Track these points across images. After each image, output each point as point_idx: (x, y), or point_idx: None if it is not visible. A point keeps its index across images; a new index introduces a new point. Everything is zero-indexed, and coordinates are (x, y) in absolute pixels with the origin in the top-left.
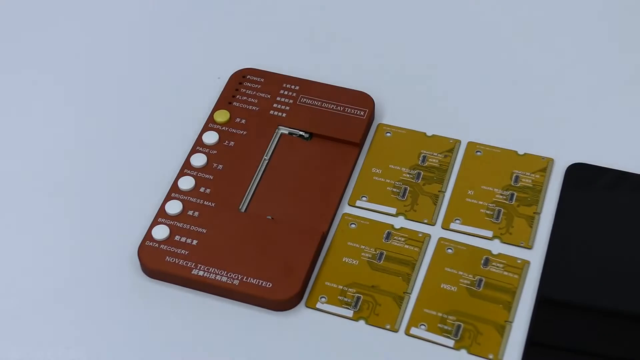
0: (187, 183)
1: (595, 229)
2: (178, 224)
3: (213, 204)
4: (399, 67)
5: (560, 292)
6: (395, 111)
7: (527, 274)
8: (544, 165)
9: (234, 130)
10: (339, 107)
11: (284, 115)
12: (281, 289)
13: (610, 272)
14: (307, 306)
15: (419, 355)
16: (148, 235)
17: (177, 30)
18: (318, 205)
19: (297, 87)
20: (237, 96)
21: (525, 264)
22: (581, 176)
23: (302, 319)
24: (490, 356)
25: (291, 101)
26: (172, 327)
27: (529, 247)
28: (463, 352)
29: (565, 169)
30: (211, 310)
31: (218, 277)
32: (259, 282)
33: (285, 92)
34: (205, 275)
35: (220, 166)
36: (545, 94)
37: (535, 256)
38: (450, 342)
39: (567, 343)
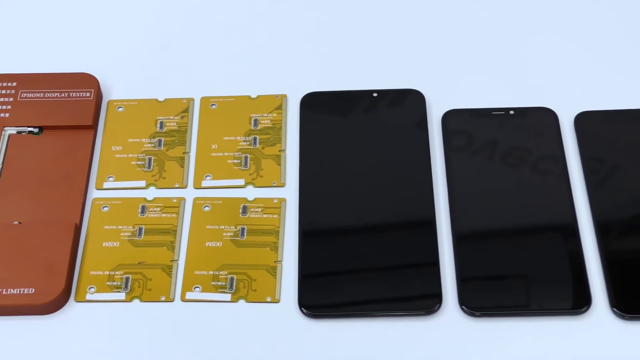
0: None
1: (338, 152)
2: None
3: None
4: (119, 41)
5: (319, 221)
6: (123, 85)
7: (286, 211)
8: (279, 103)
9: None
10: (63, 94)
11: (7, 115)
12: (45, 291)
13: (359, 189)
14: (77, 300)
15: (200, 317)
16: None
17: None
18: (65, 198)
19: (15, 84)
20: None
21: (282, 202)
22: (315, 104)
23: (75, 315)
24: (268, 299)
25: (11, 99)
26: None
27: (282, 185)
28: (242, 302)
29: (299, 102)
30: None
31: None
32: (20, 290)
33: (3, 92)
34: None
35: None
36: (261, 35)
37: (290, 192)
38: (227, 297)
39: (336, 266)
